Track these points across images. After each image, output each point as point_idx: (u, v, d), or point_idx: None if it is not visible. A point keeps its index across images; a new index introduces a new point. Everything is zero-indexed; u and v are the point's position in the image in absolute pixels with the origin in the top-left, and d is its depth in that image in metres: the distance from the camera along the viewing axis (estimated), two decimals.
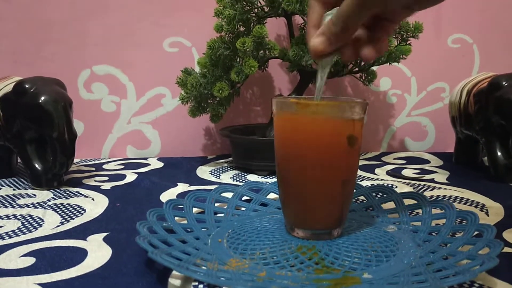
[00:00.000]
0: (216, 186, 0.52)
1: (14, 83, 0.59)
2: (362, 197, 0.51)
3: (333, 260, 0.35)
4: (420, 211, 0.46)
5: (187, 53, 0.82)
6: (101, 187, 0.61)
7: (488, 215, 0.49)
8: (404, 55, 0.68)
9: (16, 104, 0.58)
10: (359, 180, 0.65)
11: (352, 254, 0.36)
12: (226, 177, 0.68)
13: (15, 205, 0.53)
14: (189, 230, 0.42)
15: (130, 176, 0.68)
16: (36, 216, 0.49)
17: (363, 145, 0.78)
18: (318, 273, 0.33)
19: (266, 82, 0.85)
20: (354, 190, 0.45)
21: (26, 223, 0.47)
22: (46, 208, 0.52)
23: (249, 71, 0.62)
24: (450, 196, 0.57)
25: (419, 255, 0.36)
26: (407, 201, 0.48)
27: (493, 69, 0.72)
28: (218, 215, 0.47)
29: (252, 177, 0.68)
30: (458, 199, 0.55)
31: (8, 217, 0.49)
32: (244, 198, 0.51)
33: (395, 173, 0.70)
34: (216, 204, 0.49)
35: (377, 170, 0.72)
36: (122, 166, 0.75)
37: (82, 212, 0.51)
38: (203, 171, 0.72)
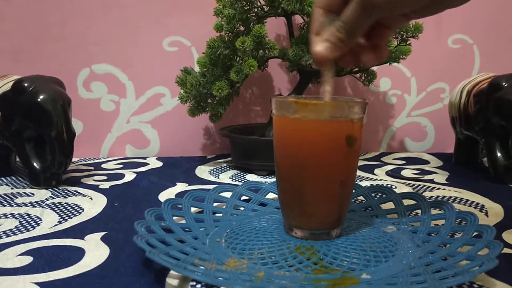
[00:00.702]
0: (215, 185, 0.52)
1: (13, 82, 0.59)
2: (361, 197, 0.51)
3: (332, 260, 0.35)
4: (419, 211, 0.46)
5: (186, 53, 0.82)
6: (100, 187, 0.61)
7: (487, 216, 0.49)
8: (404, 55, 0.68)
9: (14, 103, 0.58)
10: (358, 181, 0.65)
11: (351, 255, 0.36)
12: (225, 177, 0.68)
13: (13, 204, 0.53)
14: (187, 229, 0.42)
15: (129, 176, 0.68)
16: (34, 215, 0.49)
17: (363, 145, 0.78)
18: (317, 273, 0.33)
19: (266, 82, 0.85)
20: (353, 190, 0.45)
21: (24, 222, 0.47)
22: (44, 207, 0.52)
23: (249, 70, 0.62)
24: (450, 197, 0.56)
25: (418, 256, 0.36)
26: (407, 202, 0.47)
27: (494, 70, 0.72)
28: (216, 214, 0.47)
29: (251, 177, 0.68)
30: (458, 200, 0.55)
31: (5, 216, 0.49)
32: (243, 198, 0.51)
33: (395, 173, 0.70)
34: (215, 204, 0.49)
35: (376, 171, 0.72)
36: (121, 166, 0.75)
37: (80, 211, 0.51)
38: (202, 171, 0.71)
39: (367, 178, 0.67)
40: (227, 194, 0.50)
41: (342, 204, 0.40)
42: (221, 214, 0.47)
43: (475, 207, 0.52)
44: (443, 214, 0.44)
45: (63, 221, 0.47)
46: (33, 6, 0.77)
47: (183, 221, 0.44)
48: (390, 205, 0.48)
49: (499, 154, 0.63)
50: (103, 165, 0.75)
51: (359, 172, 0.71)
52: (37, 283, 0.33)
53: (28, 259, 0.38)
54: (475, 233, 0.39)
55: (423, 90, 0.88)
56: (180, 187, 0.62)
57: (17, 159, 0.68)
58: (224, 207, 0.49)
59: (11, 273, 0.35)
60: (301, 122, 0.37)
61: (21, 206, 0.52)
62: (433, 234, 0.41)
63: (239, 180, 0.66)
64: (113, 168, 0.73)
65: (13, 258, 0.38)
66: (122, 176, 0.67)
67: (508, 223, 0.47)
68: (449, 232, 0.40)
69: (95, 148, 0.82)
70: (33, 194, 0.57)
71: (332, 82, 0.38)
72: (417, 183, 0.63)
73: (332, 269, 0.34)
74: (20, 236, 0.43)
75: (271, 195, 0.52)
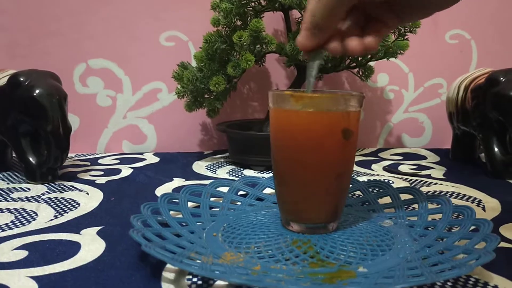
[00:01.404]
0: (212, 180, 0.51)
1: (8, 76, 0.58)
2: (358, 192, 0.51)
3: (328, 254, 0.35)
4: (416, 206, 0.46)
5: (183, 47, 0.81)
6: (96, 181, 0.61)
7: (484, 211, 0.49)
8: (402, 50, 0.67)
9: (10, 97, 0.57)
10: (355, 176, 0.65)
11: (348, 248, 0.36)
12: (223, 172, 0.67)
13: (8, 198, 0.53)
14: (184, 224, 0.42)
15: (126, 171, 0.67)
16: (30, 210, 0.49)
17: (360, 141, 0.78)
18: (313, 267, 0.33)
19: (263, 77, 0.85)
20: (351, 185, 0.45)
21: (19, 216, 0.47)
22: (40, 202, 0.52)
23: (246, 65, 0.61)
24: (447, 192, 0.56)
25: (415, 250, 0.36)
26: (404, 196, 0.47)
27: (491, 65, 0.72)
28: (213, 209, 0.47)
29: (248, 173, 0.67)
30: (455, 195, 0.55)
31: (1, 210, 0.49)
32: (240, 192, 0.51)
33: (392, 169, 0.70)
34: (212, 199, 0.49)
35: (373, 166, 0.72)
36: (118, 161, 0.75)
37: (76, 206, 0.51)
38: (199, 166, 0.71)
39: (365, 173, 0.67)
40: (224, 189, 0.50)
41: (339, 197, 0.40)
42: (218, 209, 0.47)
43: (472, 202, 0.52)
44: (440, 208, 0.44)
45: (59, 216, 0.47)
46: (29, 0, 0.77)
47: (180, 216, 0.44)
48: (387, 199, 0.48)
49: (496, 149, 0.63)
50: (99, 161, 0.75)
51: (356, 168, 0.71)
52: (32, 277, 0.33)
53: (24, 253, 0.37)
54: (472, 227, 0.39)
55: (421, 86, 0.88)
56: (177, 182, 0.61)
57: (13, 154, 0.68)
58: (221, 201, 0.48)
59: (6, 267, 0.35)
60: (297, 114, 0.37)
61: (17, 201, 0.52)
62: (430, 228, 0.41)
63: (236, 176, 0.65)
64: (109, 164, 0.73)
65: (9, 252, 0.38)
66: (118, 171, 0.67)
67: (505, 218, 0.47)
68: (446, 226, 0.40)
69: (91, 143, 0.82)
70: (29, 189, 0.57)
71: (315, 73, 0.38)
72: (414, 178, 0.63)
73: (328, 263, 0.34)
74: (15, 231, 0.43)
75: (268, 190, 0.52)
